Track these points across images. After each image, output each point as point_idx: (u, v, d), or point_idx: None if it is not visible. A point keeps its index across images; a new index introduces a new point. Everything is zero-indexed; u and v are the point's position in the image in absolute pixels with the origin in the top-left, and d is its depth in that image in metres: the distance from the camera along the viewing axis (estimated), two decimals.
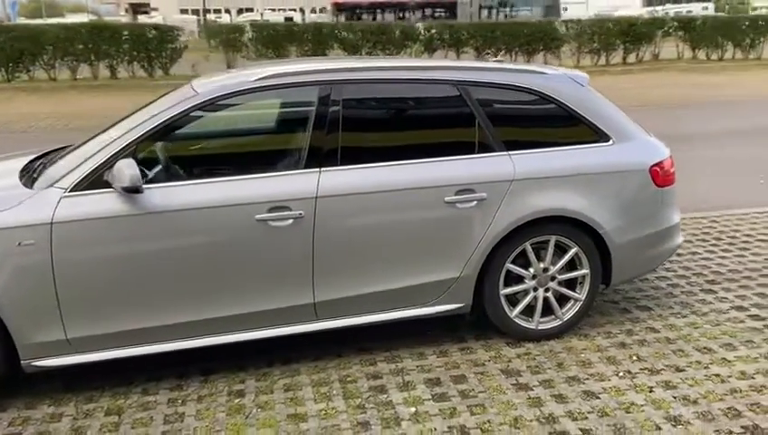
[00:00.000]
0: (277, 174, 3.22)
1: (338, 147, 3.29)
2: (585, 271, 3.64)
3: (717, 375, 3.30)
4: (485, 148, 3.49)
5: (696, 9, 50.60)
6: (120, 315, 3.09)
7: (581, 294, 3.68)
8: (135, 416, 3.05)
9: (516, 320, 3.62)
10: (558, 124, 3.65)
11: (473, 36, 19.78)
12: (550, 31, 20.17)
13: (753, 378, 3.28)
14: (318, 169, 3.24)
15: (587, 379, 3.29)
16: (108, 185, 3.01)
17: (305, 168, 3.25)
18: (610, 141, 3.68)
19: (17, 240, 2.91)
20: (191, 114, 3.19)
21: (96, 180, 3.02)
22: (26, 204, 2.96)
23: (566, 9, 74.72)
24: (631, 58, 21.43)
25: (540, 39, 19.92)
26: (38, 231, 2.93)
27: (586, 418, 2.97)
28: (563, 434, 2.86)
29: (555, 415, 3.00)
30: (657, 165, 3.70)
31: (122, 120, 3.96)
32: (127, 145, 3.08)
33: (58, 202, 2.97)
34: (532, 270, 3.59)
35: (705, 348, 3.57)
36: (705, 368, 3.38)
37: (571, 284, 3.68)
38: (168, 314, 3.15)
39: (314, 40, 19.04)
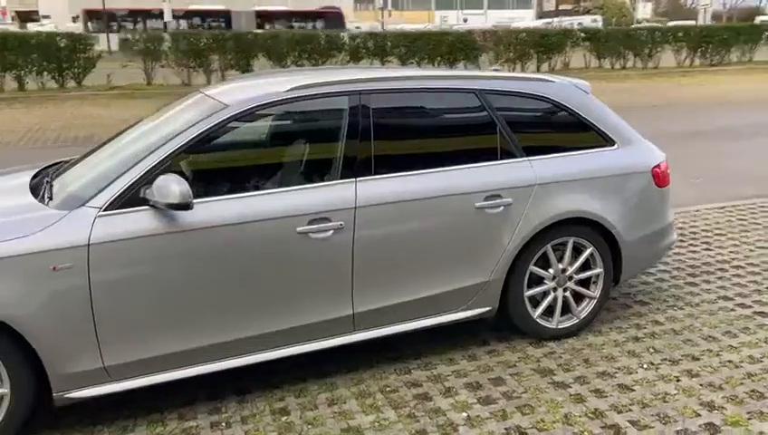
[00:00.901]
0: (315, 185, 3.18)
1: (371, 156, 3.29)
2: (599, 270, 3.81)
3: (730, 361, 3.54)
4: (507, 154, 3.58)
5: (586, 21, 53.49)
6: (159, 338, 2.95)
7: (596, 293, 3.84)
8: None
9: (538, 320, 3.73)
10: (568, 130, 3.81)
11: (397, 45, 20.06)
12: (470, 41, 20.77)
13: (761, 362, 3.53)
14: (354, 179, 3.23)
15: (616, 373, 3.44)
16: (144, 202, 2.88)
17: (341, 178, 3.22)
18: (615, 145, 3.87)
19: (52, 264, 2.72)
20: (224, 127, 3.09)
21: (132, 198, 2.88)
22: (59, 225, 2.77)
23: (466, 20, 77.32)
24: (545, 67, 22.41)
25: (461, 49, 20.46)
26: (75, 253, 2.75)
27: (630, 410, 3.11)
28: (614, 427, 2.99)
29: (601, 410, 3.12)
30: (656, 167, 3.93)
31: (125, 133, 3.81)
32: (162, 160, 2.95)
33: (93, 222, 2.80)
34: (551, 271, 3.72)
35: (709, 337, 3.82)
36: (717, 355, 3.61)
37: (584, 283, 3.83)
38: (210, 335, 3.03)
39: (238, 49, 18.70)
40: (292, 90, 3.23)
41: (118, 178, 2.91)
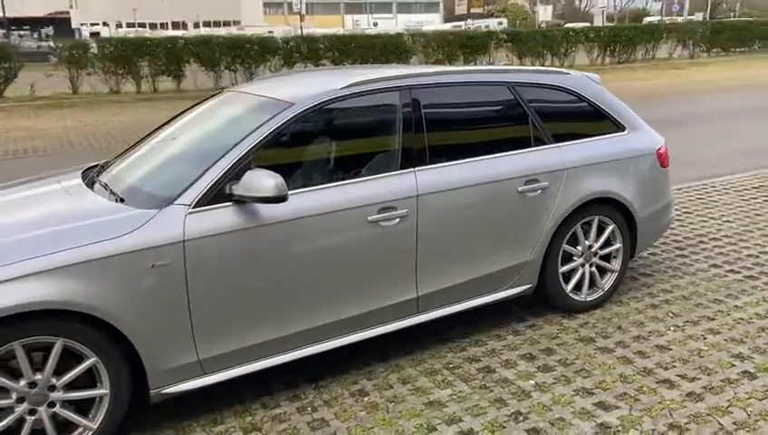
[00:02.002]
0: (381, 176, 3.34)
1: (425, 147, 3.48)
2: (619, 245, 4.16)
3: (742, 319, 3.96)
4: (539, 141, 3.87)
5: (493, 24, 55.31)
6: (248, 330, 3.04)
7: (617, 266, 4.18)
8: (278, 428, 3.02)
9: (570, 295, 4.03)
10: (587, 118, 4.14)
11: (329, 49, 20.18)
12: (400, 43, 21.17)
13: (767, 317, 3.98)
14: (413, 169, 3.42)
15: (649, 336, 3.79)
16: (228, 198, 2.95)
17: (401, 168, 3.40)
18: (626, 131, 4.23)
19: (151, 262, 2.77)
20: (293, 124, 3.20)
21: (218, 194, 2.95)
22: (152, 224, 2.81)
23: (376, 24, 78.19)
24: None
25: (392, 51, 20.83)
26: (171, 251, 2.80)
27: (674, 366, 3.45)
28: (666, 381, 3.31)
29: (649, 368, 3.44)
30: (659, 149, 4.33)
31: (162, 133, 3.86)
32: (242, 157, 3.03)
33: (185, 219, 2.86)
34: (579, 248, 4.03)
35: (716, 300, 4.24)
36: (728, 315, 4.02)
37: (606, 258, 4.17)
38: (294, 323, 3.14)
39: (168, 54, 18.28)
40: (348, 87, 3.38)
41: (201, 176, 2.97)
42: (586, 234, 4.04)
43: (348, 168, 3.36)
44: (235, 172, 2.98)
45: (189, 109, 4.19)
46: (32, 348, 2.62)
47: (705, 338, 3.74)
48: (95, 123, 13.57)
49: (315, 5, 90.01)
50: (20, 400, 2.64)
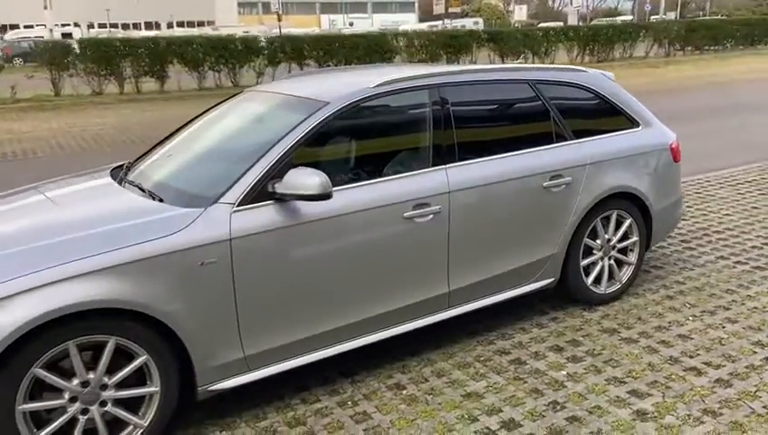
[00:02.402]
0: (414, 173, 3.39)
1: (454, 144, 3.54)
2: (636, 238, 4.26)
3: (756, 308, 4.09)
4: (561, 137, 3.95)
5: (469, 24, 55.58)
6: (292, 325, 3.07)
7: (633, 259, 4.29)
8: (321, 422, 3.06)
9: (591, 287, 4.13)
10: (603, 114, 4.23)
11: (314, 49, 20.17)
12: (384, 43, 21.24)
13: None
14: (444, 166, 3.48)
15: (670, 326, 3.89)
16: (270, 196, 2.98)
17: (433, 165, 3.46)
18: (640, 127, 4.34)
19: (199, 260, 2.79)
20: (329, 122, 3.24)
21: (260, 192, 2.97)
22: (199, 223, 2.83)
23: (352, 24, 78.23)
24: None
25: (376, 51, 20.88)
26: (219, 249, 2.83)
27: (698, 354, 3.56)
28: (693, 369, 3.42)
29: (675, 356, 3.54)
30: (672, 144, 4.44)
31: (184, 133, 3.88)
32: (282, 156, 3.05)
33: (230, 218, 2.89)
34: (599, 242, 4.12)
35: (728, 290, 4.37)
36: (742, 304, 4.15)
37: (623, 251, 4.27)
38: (335, 319, 3.19)
39: (151, 56, 18.12)
40: (380, 85, 3.42)
41: (243, 174, 2.99)
42: (605, 228, 4.13)
43: (382, 165, 3.41)
44: (277, 171, 3.01)
45: (211, 109, 4.20)
46: (83, 347, 2.63)
47: (723, 327, 3.86)
48: (81, 125, 13.42)
49: (290, 5, 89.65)
50: (72, 399, 2.64)
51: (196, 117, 4.20)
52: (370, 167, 3.40)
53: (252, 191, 2.96)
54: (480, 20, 67.77)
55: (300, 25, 65.92)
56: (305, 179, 2.90)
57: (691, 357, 3.53)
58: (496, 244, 3.67)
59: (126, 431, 2.77)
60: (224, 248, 2.84)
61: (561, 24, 40.93)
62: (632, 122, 4.31)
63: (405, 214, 3.30)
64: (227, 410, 3.16)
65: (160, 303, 2.70)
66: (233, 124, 3.77)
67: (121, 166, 3.90)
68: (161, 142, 4.07)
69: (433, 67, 3.98)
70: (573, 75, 4.17)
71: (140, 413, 2.79)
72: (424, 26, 51.40)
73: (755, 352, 3.56)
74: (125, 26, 72.82)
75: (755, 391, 3.19)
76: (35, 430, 2.59)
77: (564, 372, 3.42)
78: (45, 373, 2.55)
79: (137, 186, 3.34)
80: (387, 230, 3.27)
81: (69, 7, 64.22)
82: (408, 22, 76.09)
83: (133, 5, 75.47)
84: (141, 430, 2.78)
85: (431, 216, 3.38)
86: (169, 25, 76.81)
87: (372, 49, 20.86)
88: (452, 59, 22.83)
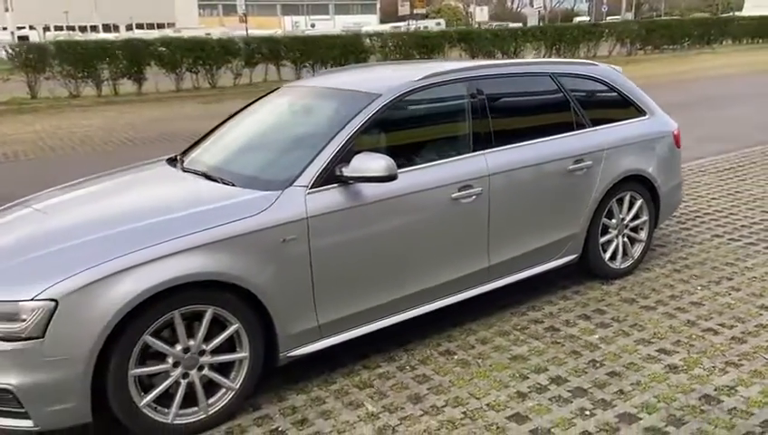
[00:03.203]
0: (458, 158, 3.72)
1: (490, 131, 3.88)
2: (646, 217, 4.66)
3: (755, 277, 4.53)
4: (580, 126, 4.32)
5: (431, 25, 56.18)
6: (357, 297, 3.36)
7: (644, 237, 4.69)
8: (387, 384, 3.35)
9: (608, 263, 4.51)
10: (615, 104, 4.62)
11: (291, 50, 20.35)
12: (359, 44, 21.53)
13: None
14: (483, 152, 3.81)
15: (682, 295, 4.29)
16: (337, 179, 3.27)
17: (473, 151, 3.79)
18: (647, 115, 4.74)
19: (282, 237, 3.07)
20: (383, 112, 3.54)
21: (329, 176, 3.26)
22: (279, 203, 3.11)
23: (314, 25, 78.23)
24: None
25: (351, 51, 21.16)
26: (297, 227, 3.11)
27: (712, 318, 3.96)
28: (710, 330, 3.81)
29: (691, 320, 3.94)
30: (675, 131, 4.86)
31: (234, 123, 4.16)
32: (345, 143, 3.34)
33: (305, 199, 3.17)
34: (614, 221, 4.51)
35: (727, 263, 4.80)
36: (742, 274, 4.58)
37: (635, 229, 4.66)
38: (395, 290, 3.49)
39: (129, 57, 18.08)
40: (423, 78, 3.74)
41: (313, 160, 3.27)
42: (619, 208, 4.52)
43: (429, 150, 3.73)
44: (342, 156, 3.30)
45: (251, 104, 4.46)
46: (184, 317, 2.88)
47: (729, 294, 4.27)
48: (66, 127, 13.39)
49: (252, 7, 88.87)
50: (175, 364, 2.89)
51: (238, 112, 4.46)
52: (419, 152, 3.71)
53: (322, 175, 3.24)
54: (442, 21, 68.61)
55: (261, 27, 65.67)
56: (373, 163, 3.20)
57: (706, 320, 3.93)
58: (529, 222, 4.02)
59: (219, 394, 3.03)
60: (302, 226, 3.12)
61: (521, 25, 41.78)
62: (640, 112, 4.72)
63: (452, 195, 3.62)
64: (299, 376, 3.43)
65: (250, 276, 2.97)
66: (285, 115, 4.05)
67: (174, 157, 4.13)
68: (207, 135, 4.31)
69: (468, 62, 4.31)
70: (588, 69, 4.56)
71: (231, 377, 3.05)
72: (387, 27, 51.85)
73: (761, 314, 3.98)
74: (83, 29, 71.49)
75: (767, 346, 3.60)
76: (142, 394, 2.83)
77: (596, 337, 3.78)
78: (154, 340, 2.80)
79: (202, 174, 3.59)
80: (437, 210, 3.59)
81: (26, 9, 62.90)
82: (370, 23, 76.47)
83: (91, 8, 74.24)
84: (233, 393, 3.05)
85: (474, 197, 3.70)
86: (128, 27, 75.71)
87: (348, 50, 21.15)
88: (424, 59, 23.23)
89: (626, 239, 4.60)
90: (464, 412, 3.09)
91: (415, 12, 47.60)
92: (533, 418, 3.03)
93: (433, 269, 3.63)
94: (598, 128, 4.38)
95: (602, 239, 4.45)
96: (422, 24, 60.16)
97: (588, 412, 3.06)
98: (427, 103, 3.83)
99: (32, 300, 2.59)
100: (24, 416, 2.65)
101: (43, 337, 2.59)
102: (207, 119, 14.12)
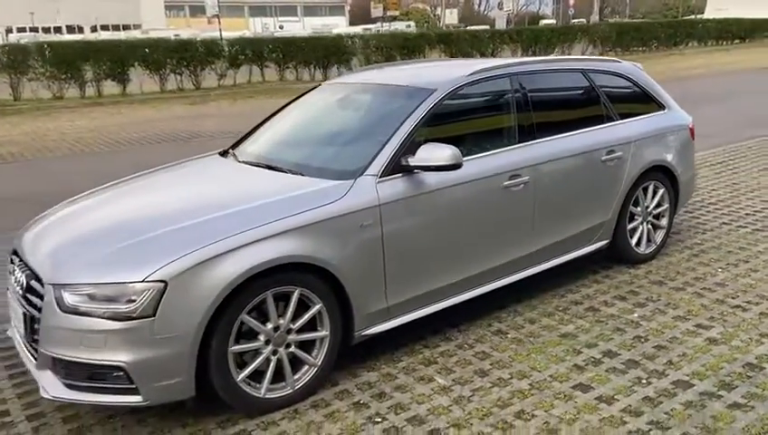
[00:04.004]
0: (507, 148, 3.95)
1: (533, 124, 4.12)
2: (667, 205, 4.96)
3: None
4: (609, 119, 4.59)
5: (402, 27, 56.56)
6: (421, 279, 3.57)
7: (665, 223, 4.98)
8: (450, 361, 3.56)
9: (634, 248, 4.79)
10: (638, 99, 4.90)
11: (274, 51, 20.43)
12: (342, 45, 21.71)
13: None
14: (528, 143, 4.05)
15: (705, 277, 4.59)
16: (402, 168, 3.46)
17: (519, 142, 4.02)
18: (666, 110, 5.04)
19: (359, 222, 3.26)
20: (439, 105, 3.75)
21: (395, 165, 3.45)
22: (354, 192, 3.29)
23: (282, 27, 78.01)
24: None
25: (333, 53, 21.32)
26: (372, 213, 3.30)
27: (738, 295, 4.26)
28: (738, 307, 4.10)
29: (720, 299, 4.23)
30: (690, 125, 5.17)
31: (281, 118, 4.35)
32: (409, 134, 3.54)
33: (376, 187, 3.36)
34: (639, 209, 4.79)
35: (740, 248, 5.12)
36: (756, 257, 4.90)
37: (657, 217, 4.95)
38: (455, 272, 3.71)
39: (113, 58, 17.97)
40: (473, 74, 3.97)
41: (380, 151, 3.46)
42: (644, 196, 4.80)
43: (481, 141, 3.95)
44: (406, 147, 3.50)
45: (293, 100, 4.65)
46: (274, 298, 3.05)
47: (749, 275, 4.58)
48: (56, 129, 13.30)
49: (220, 8, 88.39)
50: (267, 342, 3.06)
51: (281, 108, 4.64)
52: (472, 143, 3.92)
53: (389, 165, 3.44)
54: (412, 23, 69.13)
55: (229, 28, 65.17)
56: (440, 152, 3.40)
57: (732, 299, 4.22)
58: (568, 210, 4.27)
59: (302, 371, 3.20)
60: (375, 213, 3.31)
61: (488, 27, 42.39)
62: (660, 106, 5.01)
63: (503, 183, 3.85)
64: (366, 356, 3.61)
65: (333, 259, 3.15)
66: (338, 110, 4.23)
67: (225, 151, 4.29)
68: (253, 131, 4.47)
69: (509, 59, 4.55)
70: (613, 65, 4.83)
71: (314, 355, 3.23)
72: (358, 29, 52.07)
73: None
74: (46, 30, 70.16)
75: None
76: (238, 370, 2.99)
77: (636, 315, 4.04)
78: (249, 319, 2.96)
79: (266, 165, 3.76)
80: (491, 198, 3.82)
81: None
82: (339, 25, 76.62)
83: (56, 9, 72.94)
84: (315, 369, 3.22)
85: (522, 185, 3.94)
86: (93, 29, 74.56)
87: (330, 51, 21.30)
88: (405, 60, 23.50)
89: (649, 226, 4.88)
90: (530, 383, 3.32)
91: (388, 14, 48.01)
92: (596, 387, 3.27)
93: (487, 253, 3.85)
94: (625, 121, 4.65)
95: (630, 226, 4.72)
96: (392, 26, 60.49)
97: (644, 381, 3.31)
98: (476, 97, 4.05)
99: (143, 281, 2.74)
100: (134, 392, 2.80)
101: (154, 316, 2.74)
102: (199, 119, 14.27)
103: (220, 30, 41.96)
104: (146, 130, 12.73)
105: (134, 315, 2.73)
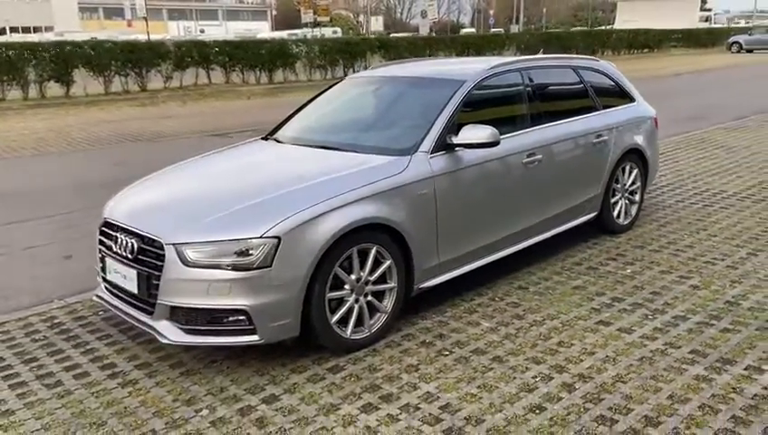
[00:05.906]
0: (524, 131, 4.63)
1: (541, 111, 4.83)
2: (639, 183, 5.79)
3: (722, 227, 5.74)
4: (595, 109, 5.37)
5: (328, 33, 57.10)
6: (465, 240, 4.19)
7: (638, 199, 5.81)
8: (488, 310, 4.19)
9: (616, 220, 5.59)
10: (614, 92, 5.72)
11: (221, 54, 20.58)
12: (286, 49, 22.07)
13: None
14: (538, 127, 4.75)
15: (676, 241, 5.42)
16: (447, 147, 4.08)
17: (532, 126, 4.72)
18: (635, 102, 5.88)
19: (419, 191, 3.85)
20: (469, 94, 4.39)
21: (441, 143, 4.06)
22: (412, 165, 3.88)
23: (203, 31, 76.95)
24: (350, 72, 24.61)
25: (278, 56, 21.66)
26: (428, 183, 3.90)
27: (705, 255, 5.10)
28: (709, 262, 4.93)
29: (692, 256, 5.05)
30: (654, 116, 6.03)
31: (316, 107, 4.96)
32: (450, 117, 4.16)
33: (429, 161, 3.96)
34: (619, 186, 5.59)
35: (697, 219, 6.01)
36: (713, 226, 5.79)
37: (632, 193, 5.77)
38: (494, 233, 4.38)
39: (57, 61, 17.69)
40: (492, 68, 4.64)
41: (428, 132, 4.06)
42: (623, 175, 5.61)
43: (504, 124, 4.60)
44: (449, 128, 4.12)
45: (320, 94, 5.20)
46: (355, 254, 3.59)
47: (710, 239, 5.45)
48: (11, 130, 13.13)
49: (137, 11, 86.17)
50: (351, 291, 3.60)
51: (309, 101, 5.18)
52: (498, 126, 4.57)
53: (437, 143, 4.04)
54: (339, 29, 69.82)
55: (149, 32, 63.50)
56: (481, 132, 4.04)
57: (702, 256, 5.07)
58: (571, 184, 5.00)
59: (376, 317, 3.76)
60: (430, 183, 3.91)
61: (411, 34, 43.66)
62: (630, 99, 5.85)
63: (523, 160, 4.53)
64: (415, 308, 4.19)
65: (401, 221, 3.73)
66: (373, 99, 4.81)
67: (265, 137, 4.80)
68: (287, 120, 4.98)
69: (517, 57, 5.25)
70: (593, 63, 5.64)
71: (385, 303, 3.79)
72: (284, 34, 52.18)
73: (739, 250, 5.17)
74: None
75: (755, 270, 4.76)
76: (330, 314, 3.52)
77: (629, 271, 4.81)
78: (340, 270, 3.50)
79: (320, 146, 4.30)
80: (516, 172, 4.50)
81: None
82: (262, 30, 76.31)
83: None
84: (386, 316, 3.78)
85: (536, 163, 4.63)
86: (2, 32, 71.37)
87: (276, 55, 21.64)
88: (348, 65, 24.13)
89: (626, 201, 5.70)
90: (560, 323, 4.00)
91: (318, 20, 48.36)
92: (614, 322, 3.98)
93: (512, 220, 4.53)
94: (607, 111, 5.45)
95: (612, 200, 5.51)
96: (318, 31, 60.75)
97: (650, 317, 4.05)
98: (495, 88, 4.71)
99: (260, 237, 3.23)
100: (252, 332, 3.28)
101: (270, 266, 3.24)
102: (154, 119, 14.43)
103: (148, 33, 41.20)
104: (107, 130, 12.79)
105: (254, 266, 3.22)
